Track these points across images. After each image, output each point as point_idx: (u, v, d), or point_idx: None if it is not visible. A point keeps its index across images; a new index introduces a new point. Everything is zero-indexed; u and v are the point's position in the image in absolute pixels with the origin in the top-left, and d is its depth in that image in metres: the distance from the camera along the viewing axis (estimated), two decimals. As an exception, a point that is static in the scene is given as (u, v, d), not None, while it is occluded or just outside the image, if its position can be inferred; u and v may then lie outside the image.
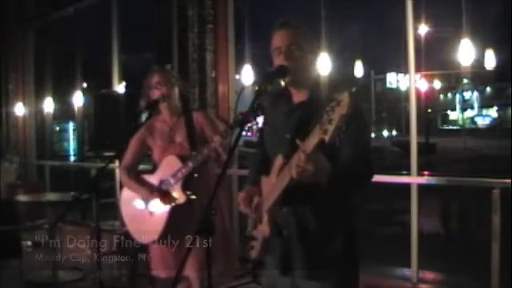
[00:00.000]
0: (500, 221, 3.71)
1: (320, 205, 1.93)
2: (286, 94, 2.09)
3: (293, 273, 2.00)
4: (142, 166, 3.16)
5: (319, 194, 1.80)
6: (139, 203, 2.92)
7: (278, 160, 1.93)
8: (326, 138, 1.57)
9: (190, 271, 2.75)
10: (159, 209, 2.83)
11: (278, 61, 2.00)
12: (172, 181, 2.80)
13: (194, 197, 2.78)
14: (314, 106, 1.72)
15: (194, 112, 3.03)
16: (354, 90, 1.55)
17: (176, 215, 2.79)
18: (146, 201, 2.89)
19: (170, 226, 2.80)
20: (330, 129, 1.55)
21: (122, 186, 3.13)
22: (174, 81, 2.99)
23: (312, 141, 1.64)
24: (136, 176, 3.01)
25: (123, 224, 3.22)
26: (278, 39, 2.02)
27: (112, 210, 4.76)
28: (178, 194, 2.80)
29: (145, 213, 2.89)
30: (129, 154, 3.03)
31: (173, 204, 2.80)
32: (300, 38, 2.02)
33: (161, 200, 2.83)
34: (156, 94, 2.92)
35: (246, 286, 4.29)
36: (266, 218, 1.99)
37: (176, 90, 2.98)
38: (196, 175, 2.79)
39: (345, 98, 1.52)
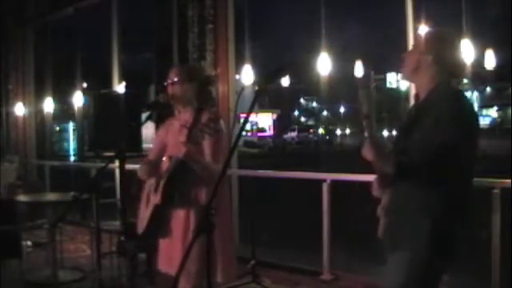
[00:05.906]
0: (500, 221, 3.71)
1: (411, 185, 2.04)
2: None
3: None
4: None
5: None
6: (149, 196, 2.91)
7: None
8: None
9: (191, 267, 2.73)
10: (152, 204, 2.81)
11: None
12: (162, 181, 2.76)
13: (174, 196, 2.73)
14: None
15: (205, 111, 2.82)
16: (362, 89, 1.68)
17: (157, 213, 2.77)
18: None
19: (153, 223, 2.78)
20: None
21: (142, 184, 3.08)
22: (186, 77, 2.90)
23: None
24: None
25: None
26: None
27: (112, 209, 4.75)
28: (158, 193, 2.76)
29: (144, 206, 2.89)
30: (151, 152, 3.06)
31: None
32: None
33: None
34: (170, 90, 2.92)
35: (246, 286, 4.29)
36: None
37: (189, 87, 2.89)
38: (180, 174, 2.73)
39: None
